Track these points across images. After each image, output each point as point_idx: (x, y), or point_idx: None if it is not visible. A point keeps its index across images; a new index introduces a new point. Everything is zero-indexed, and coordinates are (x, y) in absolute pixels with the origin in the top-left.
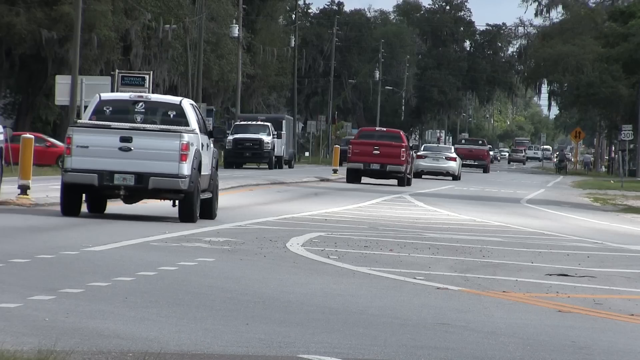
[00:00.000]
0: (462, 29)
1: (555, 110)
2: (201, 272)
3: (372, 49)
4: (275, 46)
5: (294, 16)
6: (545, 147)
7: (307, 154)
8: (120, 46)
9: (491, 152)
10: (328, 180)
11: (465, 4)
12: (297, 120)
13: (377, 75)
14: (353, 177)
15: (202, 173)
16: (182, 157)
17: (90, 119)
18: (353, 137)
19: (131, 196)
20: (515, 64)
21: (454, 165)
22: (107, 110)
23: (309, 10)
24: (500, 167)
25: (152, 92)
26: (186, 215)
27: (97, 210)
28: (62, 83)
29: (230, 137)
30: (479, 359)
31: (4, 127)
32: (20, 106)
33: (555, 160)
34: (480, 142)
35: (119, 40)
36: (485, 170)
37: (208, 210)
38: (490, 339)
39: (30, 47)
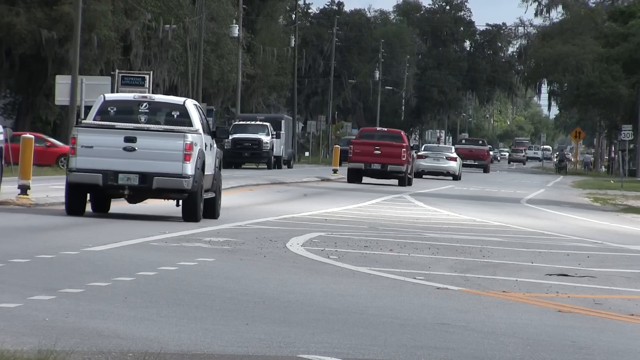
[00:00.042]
0: (462, 29)
1: (555, 110)
2: (201, 272)
3: (372, 49)
4: (275, 46)
5: (294, 16)
6: (545, 147)
7: (307, 154)
8: (120, 46)
9: (491, 152)
10: (328, 180)
11: (465, 4)
12: (297, 120)
13: (377, 75)
14: (354, 177)
15: (205, 173)
16: (186, 157)
17: (94, 119)
18: (353, 137)
19: (135, 196)
20: (515, 64)
21: (454, 165)
22: (112, 111)
23: (309, 10)
24: (500, 167)
25: (152, 92)
26: (190, 215)
27: (101, 210)
28: (62, 83)
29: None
30: (479, 359)
31: (4, 127)
32: (20, 106)
33: (555, 160)
34: (480, 142)
35: (119, 40)
36: (486, 170)
37: (211, 210)
38: (490, 339)
39: (30, 47)
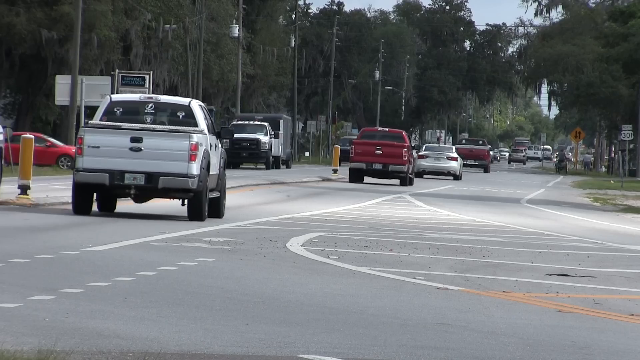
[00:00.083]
0: (462, 29)
1: (555, 110)
2: (201, 272)
3: (372, 49)
4: (275, 46)
5: (294, 16)
6: (545, 147)
7: (307, 154)
8: (120, 46)
9: (491, 152)
10: (328, 180)
11: (465, 4)
12: (297, 120)
13: (377, 75)
14: (356, 177)
15: (210, 173)
16: (191, 157)
17: (101, 120)
18: (353, 137)
19: (141, 195)
20: (515, 64)
21: (455, 165)
22: (118, 111)
23: (309, 10)
24: (500, 167)
25: (152, 92)
26: (195, 214)
27: (107, 210)
28: (62, 83)
29: None
30: (479, 359)
31: (4, 127)
32: (20, 106)
33: (555, 160)
34: (480, 142)
35: (119, 40)
36: (486, 170)
37: (216, 209)
38: (490, 339)
39: (30, 47)
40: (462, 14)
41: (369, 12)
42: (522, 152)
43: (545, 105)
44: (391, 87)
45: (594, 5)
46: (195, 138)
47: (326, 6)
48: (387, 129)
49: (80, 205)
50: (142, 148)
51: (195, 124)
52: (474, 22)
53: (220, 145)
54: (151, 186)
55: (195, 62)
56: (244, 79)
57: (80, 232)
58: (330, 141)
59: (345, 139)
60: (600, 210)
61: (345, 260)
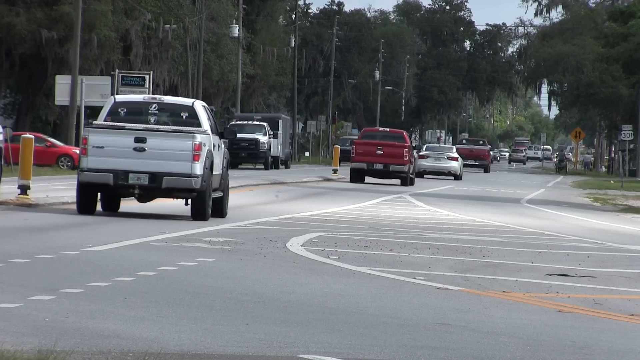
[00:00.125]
0: (462, 29)
1: (555, 110)
2: (201, 272)
3: (372, 49)
4: (275, 46)
5: (294, 16)
6: (545, 147)
7: (307, 154)
8: (120, 46)
9: (491, 152)
10: (328, 180)
11: (465, 4)
12: (297, 120)
13: (377, 75)
14: (357, 177)
15: (213, 172)
16: (195, 157)
17: (105, 120)
18: (352, 137)
19: (145, 195)
20: (515, 64)
21: (455, 165)
22: (122, 112)
23: (309, 10)
24: (500, 167)
25: (152, 93)
26: (199, 214)
27: (111, 209)
28: (62, 83)
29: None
30: (479, 359)
31: (4, 127)
32: (20, 106)
33: (555, 160)
34: (481, 142)
35: (119, 40)
36: (486, 170)
37: (219, 209)
38: (490, 339)
39: (30, 47)
40: (462, 14)
41: (369, 12)
42: (522, 152)
43: (545, 105)
44: (391, 87)
45: (594, 5)
46: (199, 138)
47: (326, 6)
48: (388, 129)
49: (85, 205)
50: (146, 148)
51: (199, 125)
52: (474, 22)
53: (223, 146)
54: (155, 186)
55: (195, 62)
56: (244, 79)
57: (80, 232)
58: (330, 141)
59: (344, 139)
60: (600, 210)
61: (345, 260)
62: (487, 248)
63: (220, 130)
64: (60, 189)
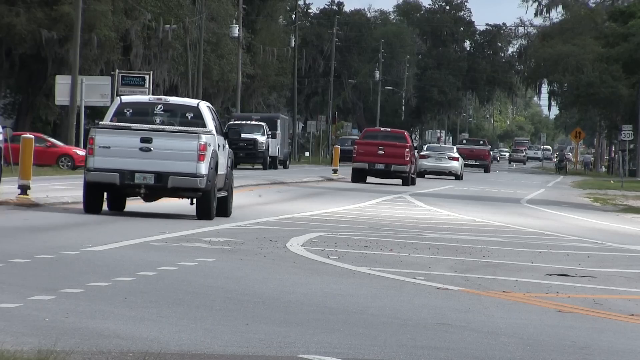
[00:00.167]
0: (462, 29)
1: (555, 110)
2: (201, 272)
3: (372, 49)
4: (275, 46)
5: (294, 16)
6: (545, 147)
7: (307, 154)
8: (120, 46)
9: (491, 152)
10: (328, 180)
11: (465, 4)
12: (297, 120)
13: (377, 75)
14: (358, 177)
15: (218, 172)
16: (200, 157)
17: (111, 121)
18: (352, 137)
19: (151, 195)
20: (515, 64)
21: (456, 165)
22: (128, 112)
23: (309, 10)
24: (500, 167)
25: (152, 93)
26: (204, 213)
27: (117, 209)
28: (62, 83)
29: None
30: (479, 359)
31: (4, 127)
32: (20, 106)
33: (555, 160)
34: (481, 142)
35: (119, 40)
36: (486, 170)
37: (224, 208)
38: (490, 339)
39: (30, 47)
40: (462, 14)
41: (369, 12)
42: (522, 152)
43: (545, 105)
44: (391, 87)
45: (594, 5)
46: (204, 138)
47: (326, 6)
48: (389, 129)
49: (91, 205)
50: (152, 148)
51: (204, 125)
52: (474, 22)
53: (227, 146)
54: (161, 185)
55: (195, 62)
56: (244, 79)
57: (80, 232)
58: (330, 141)
59: (343, 139)
60: (600, 210)
61: (345, 260)
62: (487, 248)
63: (225, 130)
64: (60, 189)
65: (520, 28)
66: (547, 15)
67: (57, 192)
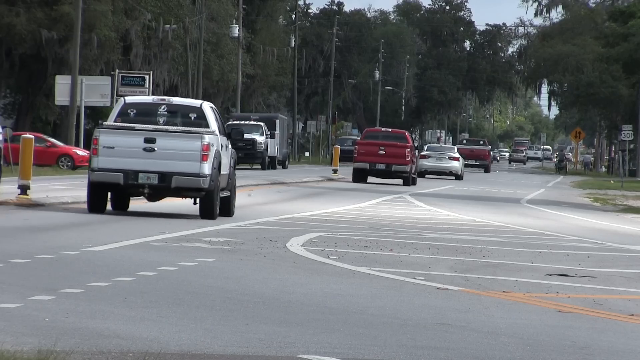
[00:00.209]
0: (462, 29)
1: (555, 110)
2: (201, 272)
3: (372, 49)
4: (275, 46)
5: (294, 16)
6: (545, 147)
7: (307, 154)
8: (120, 46)
9: (491, 152)
10: (328, 180)
11: (465, 4)
12: (297, 120)
13: (377, 75)
14: (359, 176)
15: (221, 172)
16: (203, 157)
17: (115, 121)
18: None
19: (155, 194)
20: (515, 64)
21: (457, 165)
22: (131, 113)
23: (309, 10)
24: (500, 167)
25: (152, 93)
26: (207, 213)
27: (121, 208)
28: (62, 83)
29: None
30: (479, 359)
31: (4, 127)
32: (20, 106)
33: (555, 160)
34: (481, 142)
35: (119, 40)
36: (487, 170)
37: (226, 208)
38: (490, 339)
39: (30, 47)
40: (462, 14)
41: (369, 12)
42: (522, 152)
43: (545, 105)
44: (391, 87)
45: (594, 5)
46: (207, 139)
47: (326, 6)
48: (390, 130)
49: (95, 204)
50: (156, 148)
51: (207, 125)
52: (474, 22)
53: (230, 146)
54: (164, 185)
55: (195, 62)
56: (244, 79)
57: (80, 232)
58: (330, 141)
59: (342, 139)
60: (600, 210)
61: (345, 260)
62: (487, 248)
63: (228, 131)
64: (60, 189)
65: (520, 28)
66: (547, 15)
67: (57, 192)
